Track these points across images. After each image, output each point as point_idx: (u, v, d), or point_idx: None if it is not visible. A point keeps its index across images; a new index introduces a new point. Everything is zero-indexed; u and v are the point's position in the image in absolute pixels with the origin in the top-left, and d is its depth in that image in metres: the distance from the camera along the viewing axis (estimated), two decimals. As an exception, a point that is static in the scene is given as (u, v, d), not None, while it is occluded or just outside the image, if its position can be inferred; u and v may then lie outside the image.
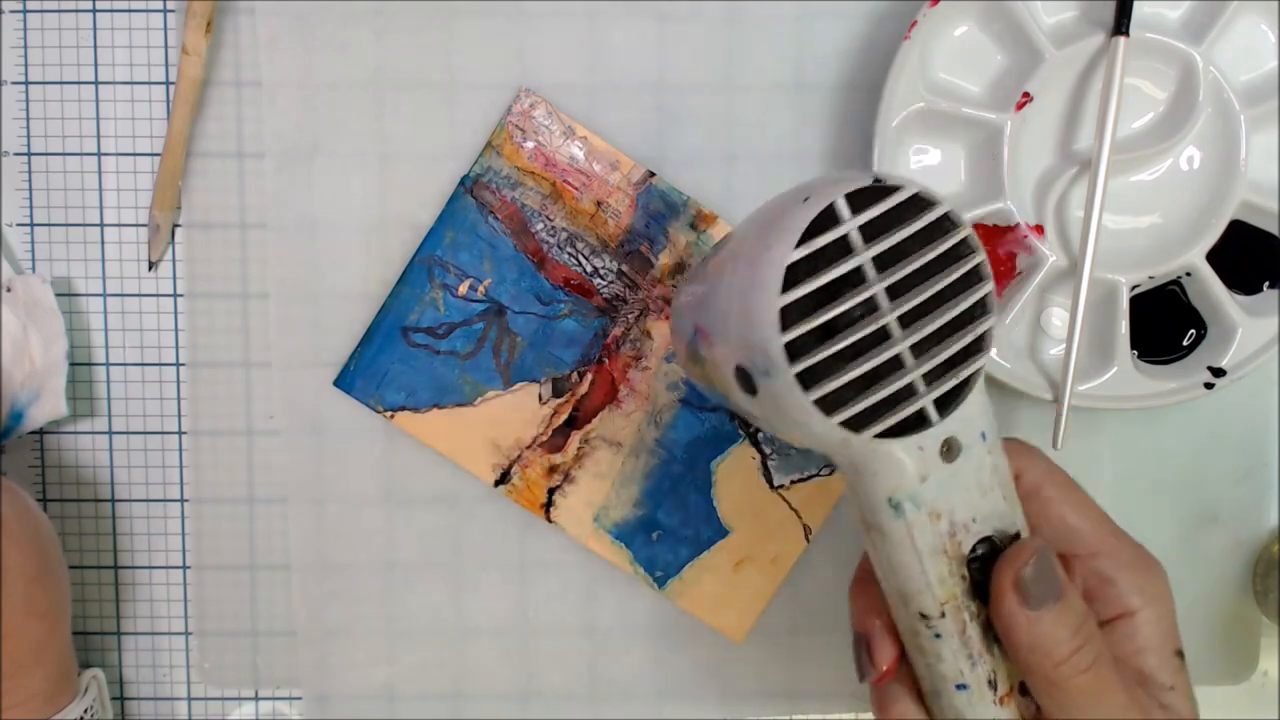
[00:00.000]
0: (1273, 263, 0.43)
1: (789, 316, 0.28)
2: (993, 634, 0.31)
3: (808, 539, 0.46)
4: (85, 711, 0.42)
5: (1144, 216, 0.43)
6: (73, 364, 0.44)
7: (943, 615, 0.31)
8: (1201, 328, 0.44)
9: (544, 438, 0.45)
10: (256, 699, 0.47)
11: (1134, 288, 0.43)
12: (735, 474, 0.45)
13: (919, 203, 0.29)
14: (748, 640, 0.46)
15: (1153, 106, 0.43)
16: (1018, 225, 0.42)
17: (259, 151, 0.45)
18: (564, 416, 0.45)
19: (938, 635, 0.31)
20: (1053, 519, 0.33)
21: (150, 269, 0.45)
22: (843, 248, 0.28)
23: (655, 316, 0.45)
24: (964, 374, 0.29)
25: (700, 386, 0.40)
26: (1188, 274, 0.43)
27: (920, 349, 0.29)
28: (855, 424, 0.28)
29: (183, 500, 0.46)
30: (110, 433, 0.46)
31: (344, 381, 0.45)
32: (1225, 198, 0.42)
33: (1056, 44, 0.41)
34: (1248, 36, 0.42)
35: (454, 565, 0.46)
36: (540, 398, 0.45)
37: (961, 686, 0.31)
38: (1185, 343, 0.44)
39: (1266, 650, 0.47)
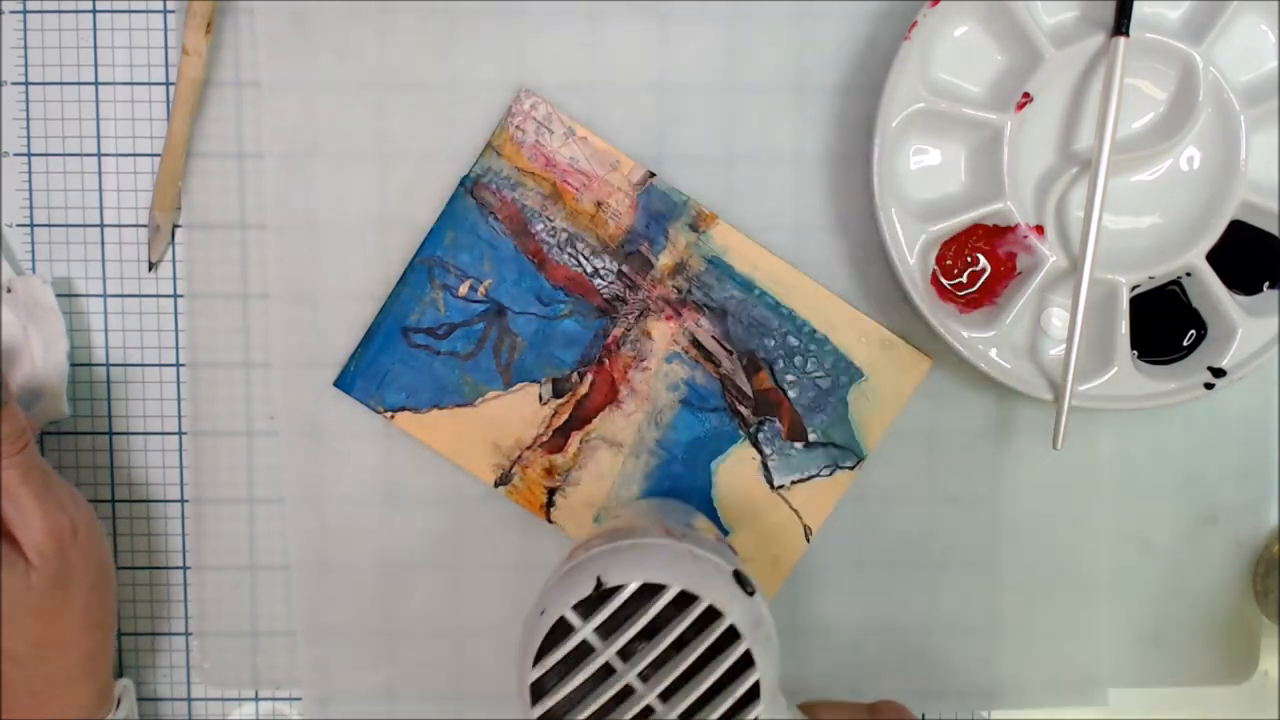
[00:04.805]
0: (1273, 263, 0.43)
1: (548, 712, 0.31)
2: None
3: (808, 539, 0.46)
4: None
5: (1144, 216, 0.43)
6: (73, 364, 0.44)
7: None
8: (1201, 328, 0.44)
9: (544, 438, 0.45)
10: (256, 699, 0.47)
11: (1134, 288, 0.43)
12: (735, 474, 0.45)
13: (650, 590, 0.31)
14: (748, 640, 0.46)
15: (1153, 106, 0.43)
16: (1018, 225, 0.42)
17: (259, 152, 0.45)
18: (564, 417, 0.45)
19: None
20: None
21: (150, 269, 0.45)
22: (587, 648, 0.32)
23: (655, 317, 0.45)
24: None
25: None
26: (1188, 274, 0.43)
27: None
28: None
29: (183, 500, 0.46)
30: (110, 433, 0.46)
31: (344, 382, 0.45)
32: (1225, 198, 0.42)
33: (1056, 44, 0.41)
34: (1248, 36, 0.42)
35: (454, 565, 0.46)
36: (540, 398, 0.45)
37: None
38: (1185, 343, 0.44)
39: (1266, 650, 0.47)
